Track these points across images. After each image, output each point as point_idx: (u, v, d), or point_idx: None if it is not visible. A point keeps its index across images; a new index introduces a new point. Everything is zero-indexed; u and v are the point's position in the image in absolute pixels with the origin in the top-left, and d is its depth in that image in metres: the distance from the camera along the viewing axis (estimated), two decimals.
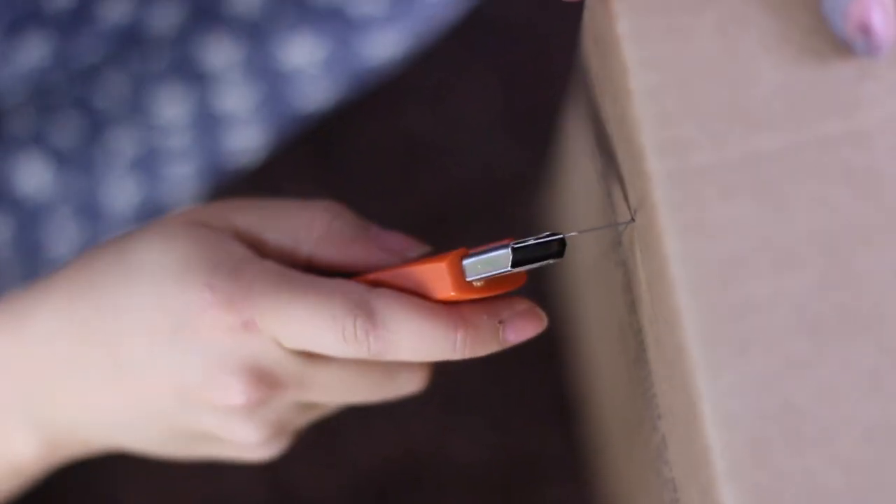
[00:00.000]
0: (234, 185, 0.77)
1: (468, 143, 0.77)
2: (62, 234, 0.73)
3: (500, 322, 0.45)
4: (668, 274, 0.40)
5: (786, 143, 0.41)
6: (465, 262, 0.44)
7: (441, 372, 0.76)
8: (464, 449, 0.76)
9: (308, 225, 0.47)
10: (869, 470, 0.39)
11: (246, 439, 0.47)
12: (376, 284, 0.46)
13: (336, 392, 0.47)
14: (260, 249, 0.47)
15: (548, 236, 0.44)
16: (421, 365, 0.49)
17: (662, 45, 0.41)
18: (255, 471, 0.76)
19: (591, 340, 0.65)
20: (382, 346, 0.44)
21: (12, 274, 0.73)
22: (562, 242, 0.44)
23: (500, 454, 0.76)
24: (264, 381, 0.45)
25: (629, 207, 0.44)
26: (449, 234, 0.77)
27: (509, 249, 0.43)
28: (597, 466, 0.74)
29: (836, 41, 0.41)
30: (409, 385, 0.49)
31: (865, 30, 0.40)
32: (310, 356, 0.46)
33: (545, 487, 0.76)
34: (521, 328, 0.46)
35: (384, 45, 0.75)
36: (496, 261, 0.44)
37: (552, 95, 0.78)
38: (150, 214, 0.75)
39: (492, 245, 0.44)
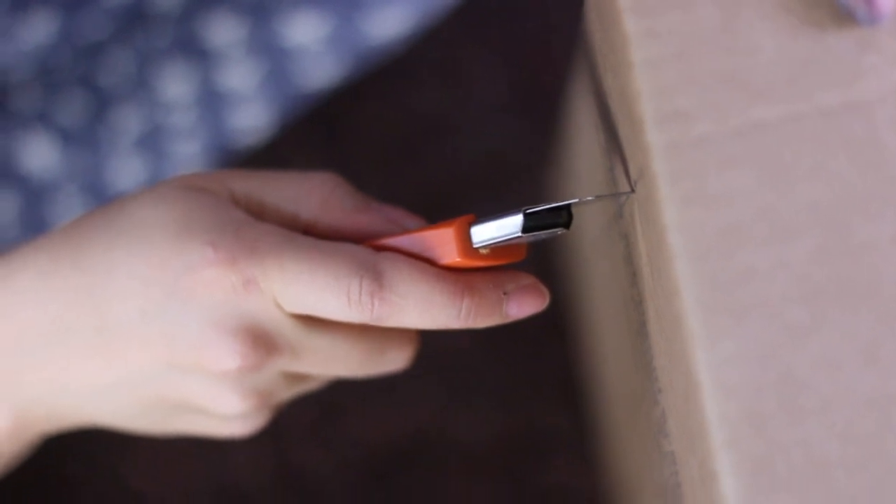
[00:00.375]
0: (241, 163, 0.77)
1: (474, 121, 0.77)
2: (68, 212, 0.73)
3: (505, 294, 0.45)
4: (667, 244, 0.40)
5: (786, 114, 0.41)
6: (474, 227, 0.44)
7: (445, 350, 0.77)
8: (468, 427, 0.76)
9: (309, 192, 0.47)
10: (866, 440, 0.39)
11: (230, 409, 0.46)
12: (380, 250, 0.45)
13: (327, 362, 0.46)
14: (259, 215, 0.46)
15: (559, 204, 0.44)
16: (410, 341, 0.48)
17: (663, 17, 0.41)
18: (258, 450, 0.76)
19: (595, 316, 0.65)
20: (387, 309, 0.43)
21: None
22: (569, 212, 0.44)
23: (504, 433, 0.76)
24: (260, 344, 0.44)
25: (629, 180, 0.44)
26: (453, 212, 0.76)
27: (521, 214, 0.43)
28: (602, 444, 0.74)
29: (836, 11, 0.41)
30: (398, 360, 0.48)
31: None
32: (307, 322, 0.45)
33: (550, 466, 0.76)
34: (525, 302, 0.45)
35: (388, 23, 0.75)
36: (507, 226, 0.43)
37: (557, 74, 0.77)
38: None
39: (501, 213, 0.44)
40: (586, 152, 0.57)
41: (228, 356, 0.44)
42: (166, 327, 0.44)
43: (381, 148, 0.77)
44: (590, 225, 0.58)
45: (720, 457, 0.38)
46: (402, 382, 0.76)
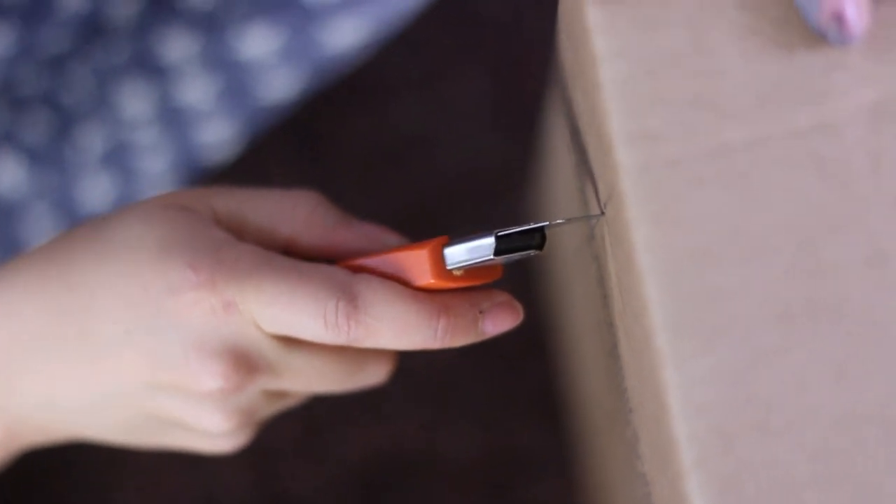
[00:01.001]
0: (216, 179, 0.76)
1: (454, 136, 0.77)
2: (38, 230, 0.73)
3: (481, 312, 0.46)
4: (635, 264, 0.40)
5: (756, 135, 0.41)
6: (447, 249, 0.45)
7: (427, 368, 0.77)
8: (451, 445, 0.76)
9: (290, 210, 0.48)
10: (835, 460, 0.39)
11: (214, 427, 0.47)
12: (357, 271, 0.46)
13: (307, 380, 0.46)
14: (239, 233, 0.47)
15: (530, 226, 0.44)
16: (389, 356, 0.49)
17: (632, 37, 0.42)
18: (243, 467, 0.76)
19: (572, 336, 0.65)
20: (363, 331, 0.44)
21: None
22: (543, 234, 0.45)
23: (487, 450, 0.76)
24: (241, 365, 0.45)
25: (599, 202, 0.44)
26: (434, 227, 0.77)
27: (493, 237, 0.44)
28: (582, 462, 0.74)
29: (806, 32, 0.41)
30: (376, 376, 0.48)
31: (839, 19, 0.40)
32: (286, 342, 0.46)
33: (532, 483, 0.76)
34: (500, 320, 0.46)
35: (343, 34, 0.74)
36: (479, 248, 0.44)
37: (537, 90, 0.78)
38: None
39: (474, 234, 0.44)
40: (560, 171, 0.57)
41: (210, 378, 0.44)
42: (149, 347, 0.45)
43: (361, 162, 0.77)
44: (564, 246, 0.58)
45: (689, 477, 0.39)
46: (385, 400, 0.76)
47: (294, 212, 0.48)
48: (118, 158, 0.73)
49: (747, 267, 0.40)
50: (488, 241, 0.44)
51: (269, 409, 0.48)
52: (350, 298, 0.44)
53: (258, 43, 0.73)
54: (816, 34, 0.41)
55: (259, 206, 0.48)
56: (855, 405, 0.39)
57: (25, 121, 0.72)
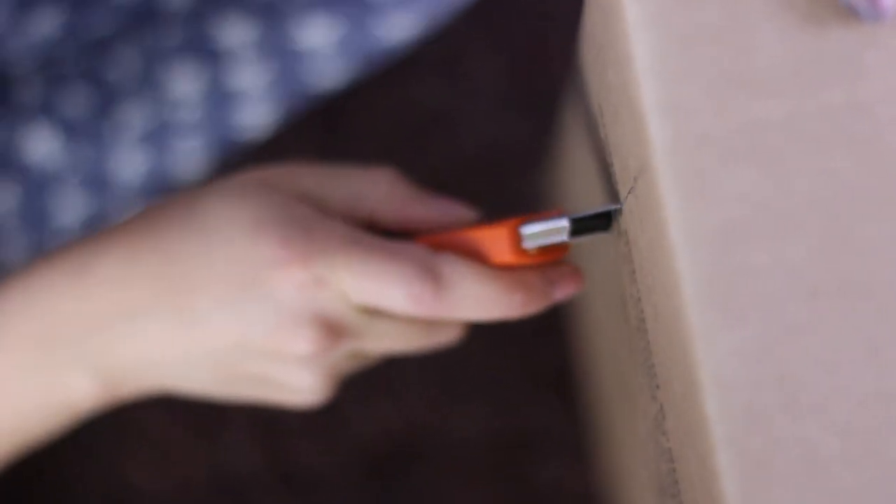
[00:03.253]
0: (241, 155, 0.77)
1: (476, 115, 0.77)
2: (69, 203, 0.74)
3: (551, 283, 0.49)
4: (667, 239, 0.40)
5: (788, 111, 0.41)
6: (524, 229, 0.47)
7: (441, 347, 0.76)
8: (463, 424, 0.76)
9: (370, 186, 0.51)
10: (864, 437, 0.39)
11: (303, 384, 0.50)
12: (435, 245, 0.49)
13: (386, 342, 0.50)
14: (324, 209, 0.50)
15: (600, 209, 0.47)
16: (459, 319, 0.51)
17: (666, 10, 0.41)
18: (253, 442, 0.76)
19: (593, 313, 0.65)
20: (446, 307, 0.47)
21: (17, 242, 0.73)
22: (610, 216, 0.47)
23: (499, 430, 0.76)
24: (330, 331, 0.48)
25: (618, 193, 0.45)
26: None
27: (567, 220, 0.47)
28: (596, 442, 0.74)
29: (839, 8, 0.41)
30: (449, 337, 0.51)
31: None
32: (370, 311, 0.49)
33: (543, 464, 0.76)
34: (567, 287, 0.49)
35: (399, 27, 0.75)
36: (554, 230, 0.47)
37: (558, 71, 0.77)
38: (156, 185, 0.75)
39: (547, 214, 0.47)
40: (583, 151, 0.57)
41: (303, 343, 0.48)
42: (243, 316, 0.48)
43: (382, 140, 0.77)
44: None
45: (719, 453, 0.38)
46: (396, 379, 0.76)
47: (375, 188, 0.51)
48: (157, 137, 0.74)
49: (778, 244, 0.40)
50: (563, 224, 0.47)
51: (350, 368, 0.52)
52: (435, 277, 0.47)
53: (317, 34, 0.74)
54: (848, 11, 0.41)
55: (342, 183, 0.51)
56: (884, 383, 0.39)
57: (65, 95, 0.72)
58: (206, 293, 0.48)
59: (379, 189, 0.51)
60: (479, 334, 0.76)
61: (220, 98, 0.74)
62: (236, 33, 0.74)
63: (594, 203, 0.53)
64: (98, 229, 0.73)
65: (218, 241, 0.48)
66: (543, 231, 0.47)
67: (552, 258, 0.49)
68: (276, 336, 0.48)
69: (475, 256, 0.48)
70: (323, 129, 0.77)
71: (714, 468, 0.39)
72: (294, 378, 0.50)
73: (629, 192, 0.45)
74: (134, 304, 0.50)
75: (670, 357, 0.42)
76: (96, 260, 0.50)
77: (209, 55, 0.74)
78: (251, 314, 0.48)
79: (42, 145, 0.72)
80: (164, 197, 0.73)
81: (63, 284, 0.51)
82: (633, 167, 0.43)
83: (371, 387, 0.76)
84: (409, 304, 0.47)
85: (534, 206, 0.77)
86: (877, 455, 0.39)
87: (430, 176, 0.77)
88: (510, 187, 0.77)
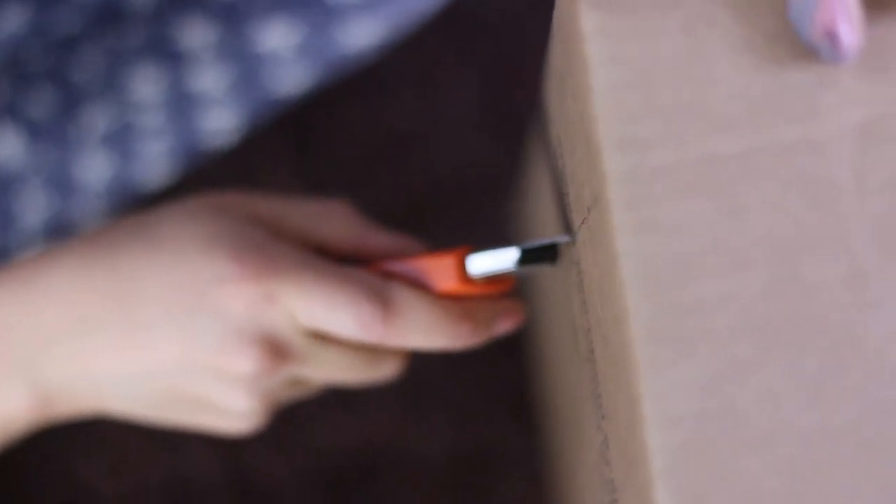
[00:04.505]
0: (210, 168, 0.76)
1: (445, 136, 0.77)
2: (32, 204, 0.73)
3: (495, 316, 0.50)
4: (617, 271, 0.40)
5: (743, 147, 0.41)
6: (471, 258, 0.48)
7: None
8: (421, 441, 0.76)
9: (325, 215, 0.52)
10: (807, 474, 0.39)
11: (239, 407, 0.50)
12: (385, 274, 0.50)
13: (328, 371, 0.50)
14: (277, 234, 0.51)
15: (547, 241, 0.48)
16: (401, 355, 0.52)
17: (626, 44, 0.42)
18: (213, 451, 0.76)
19: (548, 338, 0.65)
20: (394, 332, 0.48)
21: None
22: (556, 249, 0.48)
23: (457, 448, 0.76)
24: (275, 352, 0.48)
25: (572, 224, 0.46)
26: (423, 225, 0.77)
27: (516, 250, 0.47)
28: (551, 464, 0.74)
29: (798, 48, 0.41)
30: (390, 371, 0.52)
31: (831, 36, 0.40)
32: (315, 336, 0.49)
33: (501, 483, 0.76)
34: (508, 322, 0.51)
35: (360, 34, 0.75)
36: (502, 260, 0.48)
37: (529, 93, 0.78)
38: (121, 190, 0.75)
39: (495, 246, 0.49)
40: (544, 177, 0.57)
41: (246, 361, 0.48)
42: (191, 330, 0.48)
43: (352, 159, 0.77)
44: None
45: (658, 487, 0.39)
46: (358, 394, 0.76)
47: (329, 217, 0.52)
48: (120, 139, 0.74)
49: (728, 279, 0.40)
50: (511, 254, 0.47)
51: (288, 395, 0.52)
52: (384, 303, 0.48)
53: (277, 36, 0.74)
54: (809, 50, 0.41)
55: (295, 210, 0.52)
56: (828, 420, 0.39)
57: (30, 95, 0.72)
58: (154, 307, 0.49)
59: (333, 219, 0.52)
60: (440, 354, 0.76)
61: (182, 100, 0.74)
62: (197, 35, 0.74)
63: (551, 233, 0.53)
64: (61, 230, 0.73)
65: (170, 258, 0.49)
66: (490, 260, 0.48)
67: (499, 288, 0.49)
68: (220, 352, 0.48)
69: (423, 285, 0.49)
70: (293, 146, 0.77)
71: (652, 501, 0.39)
72: (231, 400, 0.50)
73: (582, 223, 0.45)
74: (81, 319, 0.50)
75: (616, 388, 0.42)
76: (46, 273, 0.50)
77: (170, 57, 0.74)
78: (197, 329, 0.48)
79: (6, 145, 0.72)
80: (129, 202, 0.73)
81: (11, 296, 0.51)
82: (587, 197, 0.44)
83: (331, 401, 0.76)
84: (357, 328, 0.48)
85: (502, 230, 0.77)
86: (819, 492, 0.39)
87: (399, 196, 0.77)
88: (479, 210, 0.77)
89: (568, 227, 0.48)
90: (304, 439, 0.76)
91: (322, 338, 0.50)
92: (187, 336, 0.48)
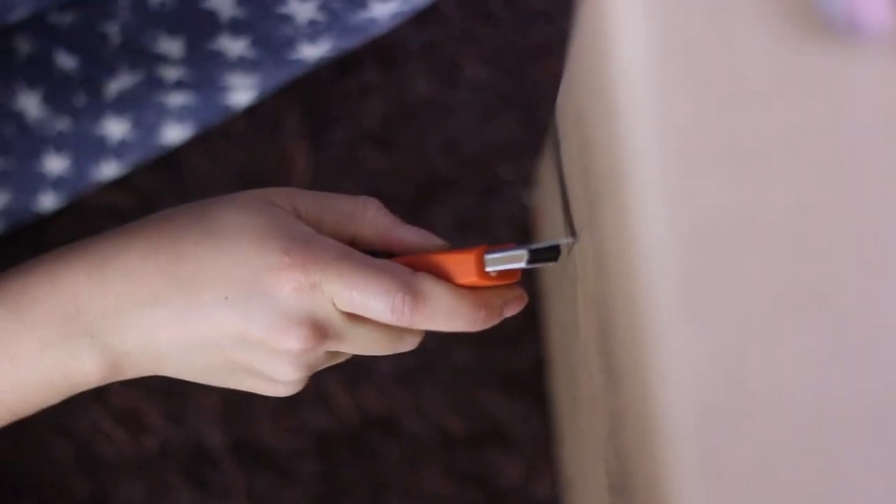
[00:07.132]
0: (226, 132, 0.77)
1: (465, 109, 0.78)
2: (56, 164, 0.78)
3: (506, 304, 0.57)
4: (634, 246, 0.40)
5: (766, 126, 0.41)
6: (487, 256, 0.56)
7: None
8: (417, 420, 0.77)
9: (360, 211, 0.59)
10: (819, 449, 0.39)
11: (285, 377, 0.58)
12: (411, 266, 0.57)
13: (360, 345, 0.58)
14: (317, 228, 0.58)
15: (554, 242, 0.56)
16: (421, 331, 0.59)
17: (649, 22, 0.42)
18: (215, 419, 0.77)
19: (564, 315, 0.66)
20: (420, 318, 0.56)
21: None
22: (559, 249, 0.56)
23: (454, 427, 0.77)
24: (317, 332, 0.56)
25: (573, 226, 0.50)
26: (432, 202, 0.77)
27: (527, 251, 0.55)
28: (560, 442, 0.74)
29: (822, 27, 0.41)
30: (412, 345, 0.59)
31: (856, 17, 0.40)
32: (352, 317, 0.56)
33: (499, 461, 0.76)
34: (514, 308, 0.58)
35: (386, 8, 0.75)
36: (515, 259, 0.55)
37: (554, 79, 0.78)
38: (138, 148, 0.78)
39: (507, 246, 0.56)
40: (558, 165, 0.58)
41: (294, 339, 0.56)
42: (245, 311, 0.56)
43: (369, 126, 0.78)
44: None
45: (672, 457, 0.39)
46: (355, 371, 0.77)
47: (363, 213, 0.59)
48: (142, 96, 0.78)
49: (744, 254, 0.40)
50: (522, 253, 0.55)
51: (325, 365, 0.59)
52: (414, 293, 0.56)
53: (303, 11, 0.74)
54: (834, 31, 0.41)
55: (333, 206, 0.59)
56: (841, 394, 0.39)
57: (52, 53, 0.76)
58: (213, 290, 0.56)
59: (365, 214, 0.59)
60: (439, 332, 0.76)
61: (206, 60, 0.75)
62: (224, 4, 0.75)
63: (559, 230, 0.59)
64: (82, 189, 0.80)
65: (227, 245, 0.56)
66: (504, 258, 0.55)
67: (508, 281, 0.57)
68: (270, 331, 0.56)
69: (444, 277, 0.57)
70: (308, 115, 0.78)
71: (667, 471, 0.39)
72: (279, 371, 0.57)
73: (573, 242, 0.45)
74: (149, 295, 0.57)
75: (631, 361, 0.43)
76: (121, 255, 0.58)
77: (195, 13, 0.75)
78: (251, 310, 0.56)
79: (32, 106, 0.76)
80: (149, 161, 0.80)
81: (86, 272, 0.58)
82: (608, 174, 0.44)
83: (328, 378, 0.78)
84: (389, 314, 0.56)
85: (520, 218, 0.77)
86: (832, 459, 0.39)
87: (408, 171, 0.77)
88: (495, 184, 0.77)
89: (571, 227, 0.55)
90: (303, 414, 0.78)
91: (357, 319, 0.57)
92: (242, 316, 0.56)
